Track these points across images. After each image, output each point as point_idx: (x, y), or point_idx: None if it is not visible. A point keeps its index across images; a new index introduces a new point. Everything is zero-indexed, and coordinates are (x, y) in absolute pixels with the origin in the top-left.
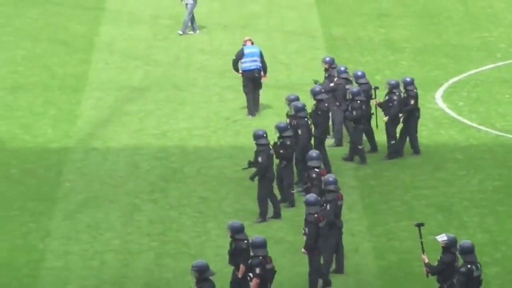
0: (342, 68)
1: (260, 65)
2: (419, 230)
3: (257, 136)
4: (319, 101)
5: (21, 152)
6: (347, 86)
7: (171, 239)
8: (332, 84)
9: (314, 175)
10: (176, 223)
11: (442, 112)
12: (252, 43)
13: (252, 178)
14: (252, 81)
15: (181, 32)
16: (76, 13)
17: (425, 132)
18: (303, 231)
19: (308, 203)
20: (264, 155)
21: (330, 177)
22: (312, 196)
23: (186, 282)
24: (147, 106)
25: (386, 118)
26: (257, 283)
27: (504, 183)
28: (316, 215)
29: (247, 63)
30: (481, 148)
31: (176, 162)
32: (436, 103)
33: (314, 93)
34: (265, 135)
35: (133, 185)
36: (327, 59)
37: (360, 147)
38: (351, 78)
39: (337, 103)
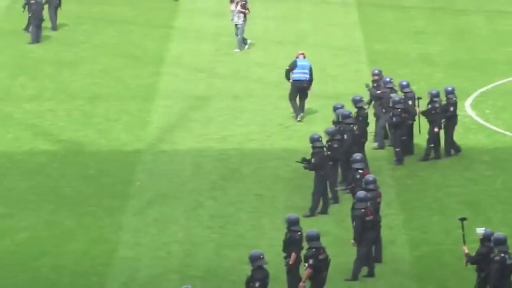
0: (387, 79)
1: (309, 77)
2: (462, 223)
3: (313, 140)
4: (359, 109)
5: (98, 155)
6: (391, 95)
7: (229, 232)
8: (378, 92)
9: (358, 176)
10: (234, 217)
11: (471, 119)
12: (304, 57)
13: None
14: (300, 91)
15: (238, 50)
16: (147, 31)
17: (456, 136)
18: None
19: (358, 199)
20: (318, 156)
21: (370, 177)
22: (362, 193)
23: (243, 270)
24: (209, 114)
25: (436, 129)
26: (310, 273)
27: None
28: (363, 210)
29: (298, 74)
30: (506, 151)
31: (235, 163)
32: (465, 111)
33: (355, 102)
34: (320, 139)
35: (196, 184)
36: (376, 71)
37: (397, 149)
38: (396, 88)
39: (383, 110)
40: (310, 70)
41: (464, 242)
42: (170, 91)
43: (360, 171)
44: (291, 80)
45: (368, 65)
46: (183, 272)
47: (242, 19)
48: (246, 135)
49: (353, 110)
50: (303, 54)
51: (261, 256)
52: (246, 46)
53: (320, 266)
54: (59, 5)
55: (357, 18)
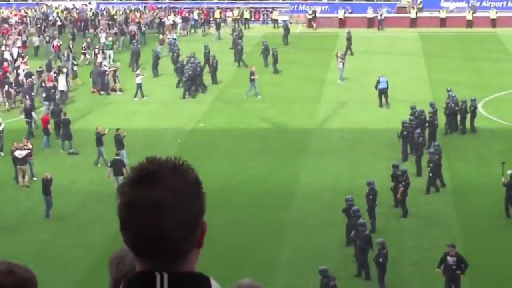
0: None
1: (386, 86)
2: (502, 167)
3: None
4: None
5: None
6: None
7: None
8: None
9: None
10: None
11: None
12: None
13: None
14: (381, 94)
15: (340, 81)
16: None
17: None
18: None
19: None
20: None
21: None
22: None
23: None
24: None
25: None
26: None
27: None
28: None
29: (381, 84)
30: None
31: None
32: None
33: None
34: None
35: None
36: None
37: None
38: None
39: None
40: (387, 83)
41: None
42: (327, 99)
43: None
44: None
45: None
46: None
47: (341, 65)
48: None
49: None
50: (382, 75)
51: None
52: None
53: None
54: None
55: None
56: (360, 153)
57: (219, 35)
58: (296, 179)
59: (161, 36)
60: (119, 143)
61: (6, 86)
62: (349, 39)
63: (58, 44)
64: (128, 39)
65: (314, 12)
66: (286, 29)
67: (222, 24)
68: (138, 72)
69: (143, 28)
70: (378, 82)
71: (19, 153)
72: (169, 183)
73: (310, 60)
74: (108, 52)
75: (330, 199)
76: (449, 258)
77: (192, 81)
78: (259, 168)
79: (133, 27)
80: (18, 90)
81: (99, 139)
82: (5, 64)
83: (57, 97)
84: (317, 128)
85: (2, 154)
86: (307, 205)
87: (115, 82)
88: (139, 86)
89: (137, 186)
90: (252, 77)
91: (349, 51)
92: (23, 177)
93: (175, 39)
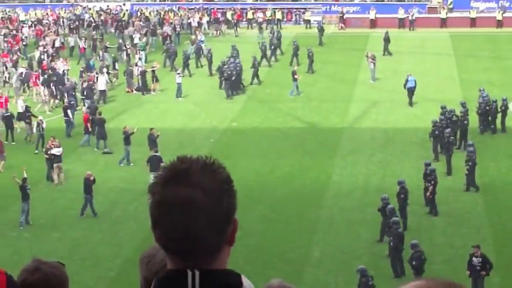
0: None
1: (414, 85)
2: None
3: None
4: None
5: None
6: None
7: None
8: None
9: None
10: None
11: None
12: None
13: None
14: (410, 93)
15: (372, 81)
16: None
17: None
18: None
19: None
20: None
21: None
22: None
23: None
24: None
25: None
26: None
27: None
28: None
29: (410, 83)
30: None
31: None
32: None
33: None
34: None
35: None
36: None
37: None
38: None
39: None
40: (415, 82)
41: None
42: (358, 98)
43: None
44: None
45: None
46: None
47: (372, 65)
48: None
49: None
50: (411, 74)
51: None
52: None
53: None
54: None
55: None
56: (391, 152)
57: (261, 35)
58: (327, 177)
59: (192, 37)
60: (153, 142)
61: (51, 85)
62: (386, 39)
63: (84, 46)
64: (161, 40)
65: (342, 13)
66: (321, 30)
67: (254, 24)
68: (178, 71)
69: (177, 29)
70: (407, 81)
71: (58, 151)
72: (200, 181)
73: (342, 60)
74: (141, 52)
75: (360, 198)
76: (474, 259)
77: (231, 81)
78: (290, 166)
79: (167, 28)
80: (59, 88)
81: (126, 138)
82: (44, 63)
83: (95, 97)
84: (348, 127)
85: (36, 152)
86: (337, 203)
87: (153, 82)
88: (179, 85)
89: (168, 185)
90: (295, 76)
91: (387, 52)
92: (58, 175)
93: (202, 40)
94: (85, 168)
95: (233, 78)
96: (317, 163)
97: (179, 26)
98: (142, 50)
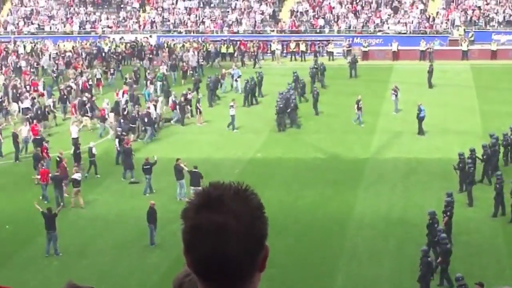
0: None
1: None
2: None
3: None
4: None
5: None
6: None
7: None
8: None
9: None
10: None
11: None
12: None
13: None
14: (421, 122)
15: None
16: None
17: None
18: None
19: None
20: None
21: None
22: None
23: None
24: None
25: None
26: None
27: None
28: None
29: (423, 112)
30: None
31: None
32: None
33: None
34: None
35: None
36: None
37: None
38: None
39: None
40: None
41: None
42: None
43: None
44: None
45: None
46: None
47: (394, 97)
48: None
49: None
50: (421, 104)
51: None
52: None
53: None
54: None
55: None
56: (413, 183)
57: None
58: (350, 207)
59: (223, 71)
60: (179, 172)
61: (119, 113)
62: (430, 72)
63: (86, 81)
64: (181, 74)
65: (350, 45)
66: (354, 62)
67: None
68: (231, 104)
69: (200, 61)
70: (420, 110)
71: (78, 176)
72: (233, 207)
73: (366, 92)
74: (158, 83)
75: (383, 228)
76: None
77: (283, 114)
78: (313, 197)
79: (192, 59)
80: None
81: (147, 168)
82: (118, 91)
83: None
84: (371, 158)
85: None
86: (360, 233)
87: (198, 113)
88: (233, 117)
89: (201, 210)
90: (359, 105)
91: (428, 84)
92: (77, 199)
93: (238, 73)
94: (113, 197)
95: (284, 111)
96: (340, 193)
97: (202, 59)
98: (159, 81)
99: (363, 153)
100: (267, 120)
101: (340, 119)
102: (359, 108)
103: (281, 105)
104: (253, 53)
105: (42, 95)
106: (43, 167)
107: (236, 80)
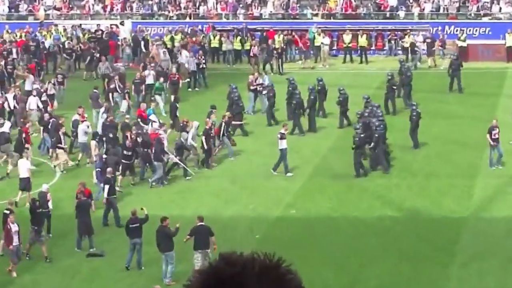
0: None
1: None
2: None
3: None
4: None
5: (431, 220)
6: None
7: None
8: None
9: None
10: None
11: None
12: None
13: None
14: None
15: None
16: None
17: None
18: None
19: None
20: None
21: None
22: None
23: None
24: None
25: None
26: None
27: None
28: None
29: None
30: None
31: None
32: None
33: None
34: None
35: (509, 243)
36: None
37: None
38: None
39: None
40: None
41: None
42: (490, 171)
43: None
44: None
45: None
46: None
47: None
48: None
49: None
50: None
51: None
52: None
53: None
54: None
55: None
56: None
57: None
58: None
59: (250, 78)
60: (166, 239)
61: None
62: None
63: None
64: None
65: (433, 36)
66: (457, 69)
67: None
68: (282, 131)
69: (202, 63)
70: None
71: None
72: None
73: (462, 111)
74: (158, 97)
75: None
76: None
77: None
78: (381, 278)
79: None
80: None
81: (135, 229)
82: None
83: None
84: (471, 217)
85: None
86: None
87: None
88: (284, 153)
89: None
90: (493, 135)
91: None
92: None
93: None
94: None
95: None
96: (423, 272)
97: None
98: (158, 94)
99: (459, 209)
100: (312, 154)
101: (422, 157)
102: (494, 140)
103: (362, 135)
104: (281, 50)
105: None
106: None
107: (263, 94)
